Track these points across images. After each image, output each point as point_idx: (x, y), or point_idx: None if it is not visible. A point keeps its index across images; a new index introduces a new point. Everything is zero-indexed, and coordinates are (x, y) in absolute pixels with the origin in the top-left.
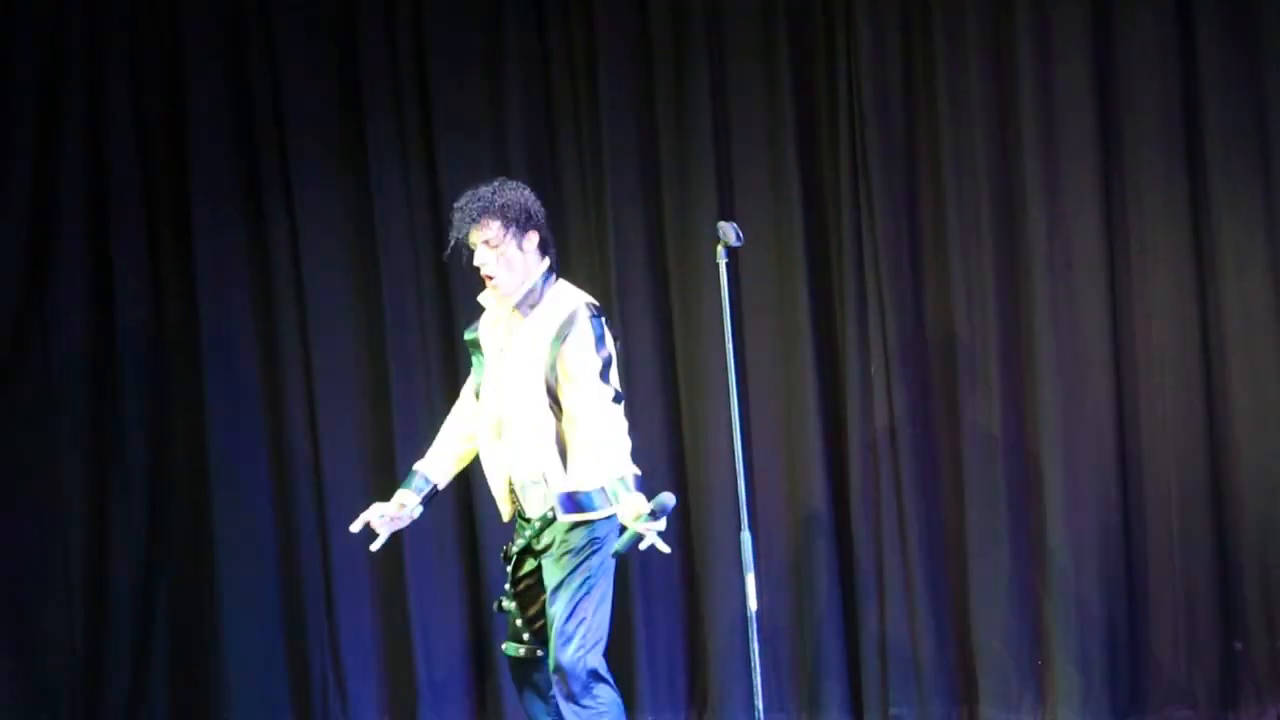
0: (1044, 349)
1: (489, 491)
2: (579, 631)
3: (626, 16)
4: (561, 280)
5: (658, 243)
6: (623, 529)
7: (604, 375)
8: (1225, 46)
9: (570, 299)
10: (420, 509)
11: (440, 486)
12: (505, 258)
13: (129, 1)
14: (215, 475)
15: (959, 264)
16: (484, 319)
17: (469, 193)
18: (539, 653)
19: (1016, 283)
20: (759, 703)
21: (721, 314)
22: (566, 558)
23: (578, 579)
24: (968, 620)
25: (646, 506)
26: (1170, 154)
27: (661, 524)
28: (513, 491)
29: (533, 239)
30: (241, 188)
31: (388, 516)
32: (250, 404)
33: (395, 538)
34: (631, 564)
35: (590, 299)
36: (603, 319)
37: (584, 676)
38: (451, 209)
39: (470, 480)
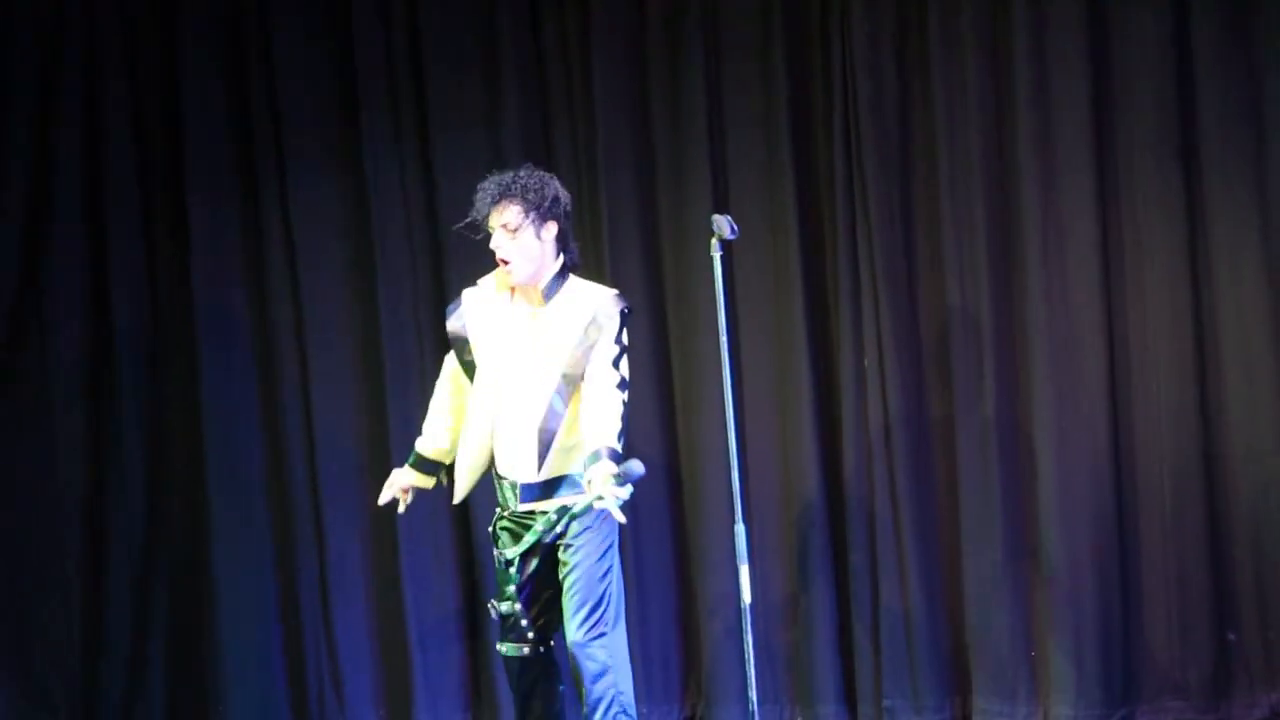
0: (1038, 344)
1: (482, 490)
2: (604, 615)
3: (622, 15)
4: (574, 276)
5: (653, 238)
6: (582, 489)
7: (616, 363)
8: (1221, 46)
9: (600, 292)
10: (431, 481)
11: (447, 463)
12: (521, 244)
13: (127, 2)
14: (212, 475)
15: (953, 259)
16: (465, 309)
17: (499, 173)
18: (541, 649)
19: (1010, 278)
20: (753, 694)
21: (716, 307)
22: (584, 545)
23: (601, 567)
24: (962, 612)
25: (614, 470)
26: (1165, 151)
27: (626, 492)
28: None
29: (551, 229)
30: (238, 188)
31: (407, 488)
32: (247, 404)
33: (390, 537)
34: (627, 557)
35: (618, 293)
36: (628, 312)
37: (604, 666)
38: (446, 198)
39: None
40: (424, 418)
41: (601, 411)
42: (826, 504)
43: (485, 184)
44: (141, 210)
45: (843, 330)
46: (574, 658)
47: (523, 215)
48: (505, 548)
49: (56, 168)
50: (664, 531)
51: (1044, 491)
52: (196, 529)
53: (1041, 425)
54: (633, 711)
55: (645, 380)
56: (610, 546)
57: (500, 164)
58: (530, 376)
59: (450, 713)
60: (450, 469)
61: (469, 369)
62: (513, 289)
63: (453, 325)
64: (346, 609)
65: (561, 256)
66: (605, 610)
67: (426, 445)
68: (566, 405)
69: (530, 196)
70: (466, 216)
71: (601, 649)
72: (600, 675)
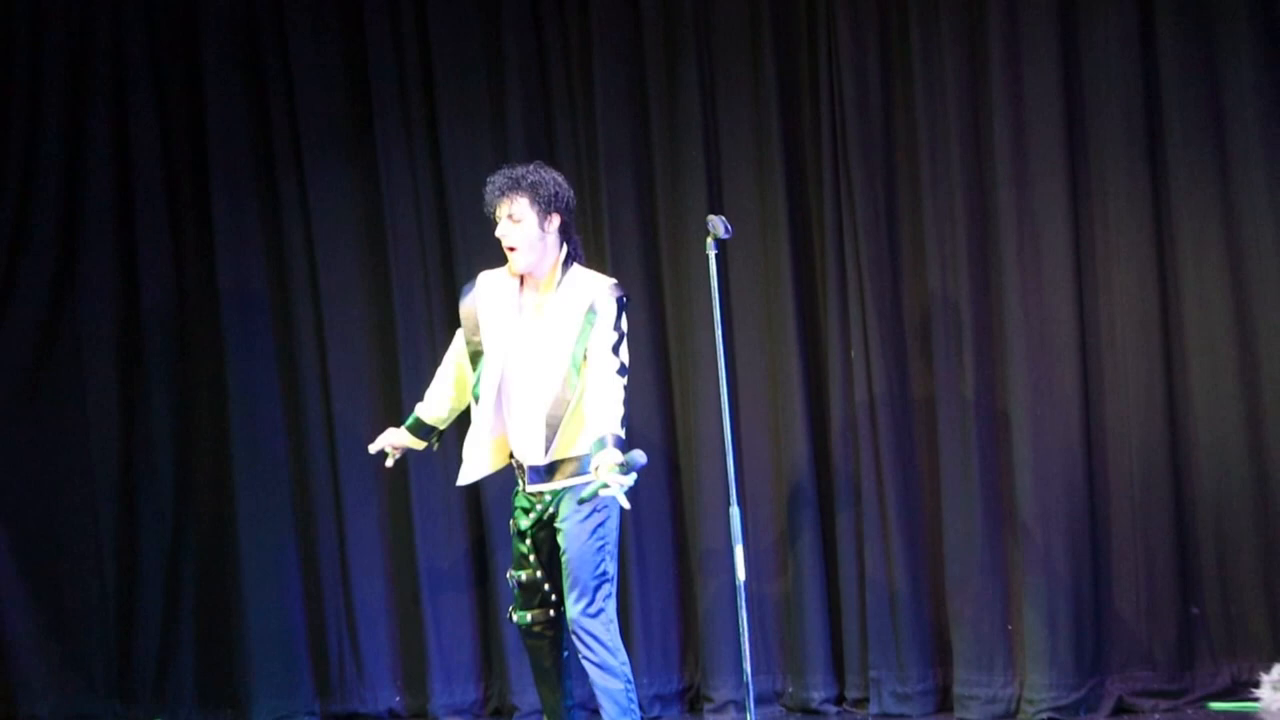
0: (1014, 334)
1: (493, 474)
2: (600, 589)
3: (620, 21)
4: (578, 265)
5: (651, 235)
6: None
7: (615, 349)
8: (1184, 57)
9: (599, 281)
10: (422, 445)
11: (440, 429)
12: (525, 233)
13: (152, 9)
14: (236, 453)
15: (934, 253)
16: (480, 291)
17: (507, 167)
18: (551, 614)
19: (988, 273)
20: (747, 666)
21: (711, 302)
22: (580, 525)
23: (595, 543)
24: (943, 588)
25: (619, 458)
26: (1132, 151)
27: (630, 480)
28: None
29: (554, 221)
30: (258, 181)
31: (399, 445)
32: (269, 389)
33: (406, 519)
34: (626, 538)
35: (615, 282)
36: (625, 300)
37: (599, 632)
38: (455, 193)
39: None
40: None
41: (604, 398)
42: (815, 487)
43: (494, 177)
44: (168, 207)
45: (830, 322)
46: (573, 631)
47: (527, 207)
48: (520, 520)
49: (89, 167)
50: (663, 513)
51: (1020, 476)
52: (222, 507)
53: (1017, 413)
54: (629, 675)
55: (645, 370)
56: (602, 525)
57: (505, 160)
58: (535, 362)
59: (463, 683)
60: (443, 435)
61: (474, 357)
62: (522, 279)
63: (465, 306)
64: (365, 586)
65: (565, 248)
66: (598, 586)
67: (425, 410)
68: (569, 390)
69: (535, 190)
70: (474, 211)
71: (598, 623)
72: (597, 644)
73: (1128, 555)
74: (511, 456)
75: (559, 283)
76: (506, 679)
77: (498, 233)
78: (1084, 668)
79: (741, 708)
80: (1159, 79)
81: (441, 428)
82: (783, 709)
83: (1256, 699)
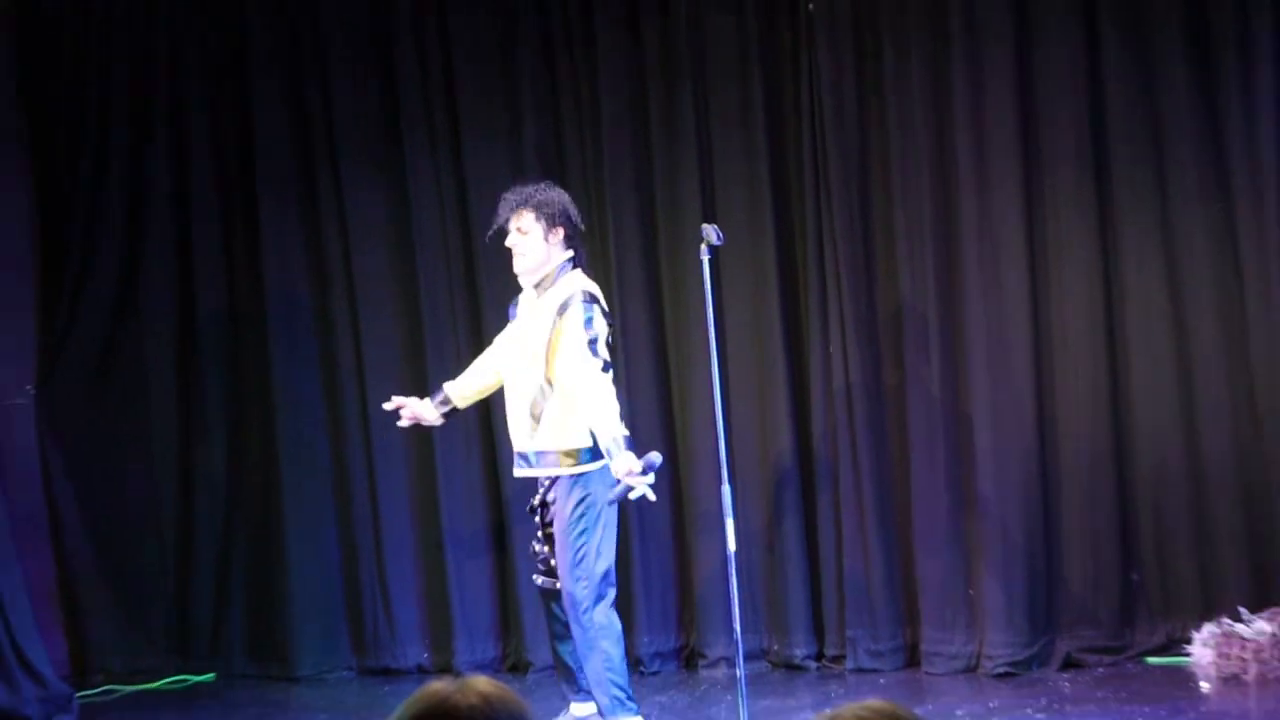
0: (975, 332)
1: (509, 454)
2: (582, 566)
3: (623, 50)
4: (577, 271)
5: (651, 242)
6: (617, 481)
7: (593, 349)
8: (1125, 79)
9: (572, 285)
10: (441, 419)
11: (459, 407)
12: (530, 244)
13: (206, 41)
14: (281, 438)
15: (904, 258)
16: (521, 296)
17: (517, 187)
18: (558, 584)
19: (952, 275)
20: (737, 626)
21: (705, 303)
22: (570, 507)
23: (580, 524)
24: (911, 557)
25: (638, 464)
26: (1081, 167)
27: (650, 478)
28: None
29: (558, 234)
30: (300, 196)
31: (411, 412)
32: (310, 379)
33: (432, 494)
34: (630, 513)
35: (588, 287)
36: (595, 304)
37: (586, 604)
38: (476, 202)
39: (495, 442)
40: (456, 376)
41: (594, 403)
42: (798, 468)
43: (508, 194)
44: (221, 216)
45: (811, 321)
46: (566, 598)
47: (533, 221)
48: (533, 498)
49: (150, 182)
50: (662, 492)
51: (981, 457)
52: (269, 485)
53: (978, 402)
54: (615, 639)
55: (645, 365)
56: (586, 511)
57: (520, 175)
58: (520, 358)
59: (484, 641)
60: (457, 411)
61: None
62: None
63: (512, 309)
64: (396, 555)
65: (568, 254)
66: (580, 562)
67: (453, 386)
68: (544, 383)
69: (540, 207)
70: (492, 218)
71: (581, 589)
72: (586, 611)
73: (1075, 529)
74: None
75: (551, 287)
76: (522, 638)
77: (507, 242)
78: (1036, 627)
79: (732, 663)
80: (1104, 102)
81: (461, 406)
82: (769, 664)
83: (1188, 654)
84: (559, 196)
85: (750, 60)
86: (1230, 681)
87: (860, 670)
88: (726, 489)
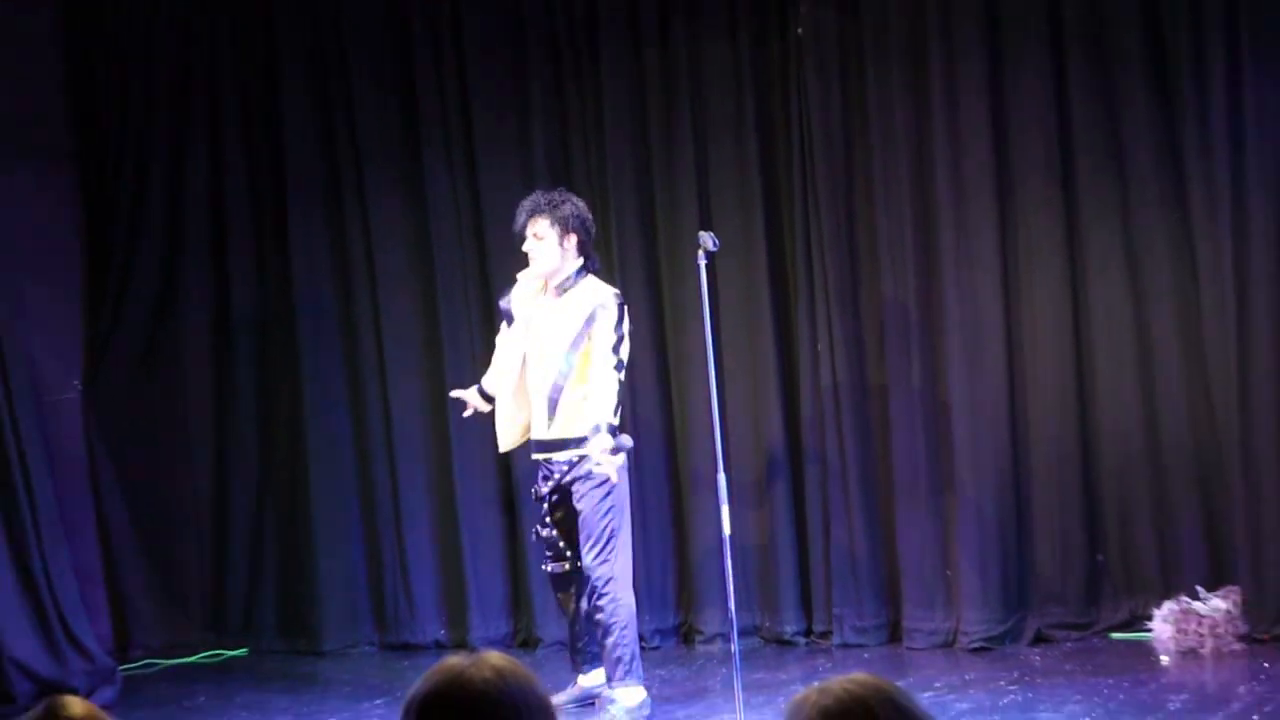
0: (952, 332)
1: (519, 448)
2: (609, 546)
3: (626, 70)
4: (591, 275)
5: (651, 247)
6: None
7: (615, 348)
8: (1089, 101)
9: (604, 289)
10: (488, 406)
11: (494, 396)
12: (546, 249)
13: (239, 58)
14: (309, 431)
15: (886, 263)
16: (515, 292)
17: (536, 194)
18: (567, 567)
19: (931, 277)
20: (731, 604)
21: (701, 304)
22: (595, 489)
23: (606, 504)
24: (893, 540)
25: (610, 443)
26: (1049, 180)
27: (620, 459)
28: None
29: (572, 240)
30: (326, 202)
31: (472, 405)
32: (335, 375)
33: (448, 482)
34: (632, 498)
35: (617, 290)
36: (624, 306)
37: (610, 581)
38: (488, 207)
39: None
40: (470, 369)
41: (600, 391)
42: (788, 458)
43: (525, 201)
44: (253, 221)
45: (800, 321)
46: (586, 577)
47: (548, 227)
48: (541, 487)
49: (188, 192)
50: (662, 479)
51: (958, 448)
52: (297, 473)
53: (956, 396)
54: (632, 616)
55: (647, 362)
56: (609, 493)
57: (530, 182)
58: (543, 352)
59: (497, 619)
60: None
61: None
62: (545, 283)
63: (503, 303)
64: (415, 538)
65: (581, 260)
66: (608, 541)
67: (487, 382)
68: (562, 376)
69: (556, 214)
70: (505, 225)
71: (606, 569)
72: (605, 589)
73: (1045, 514)
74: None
75: (572, 288)
76: (532, 615)
77: (524, 247)
78: (1009, 605)
79: (727, 639)
80: (1070, 120)
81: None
82: (760, 640)
83: (1150, 630)
84: (574, 206)
85: (743, 79)
86: (1188, 655)
87: (846, 646)
88: (722, 477)
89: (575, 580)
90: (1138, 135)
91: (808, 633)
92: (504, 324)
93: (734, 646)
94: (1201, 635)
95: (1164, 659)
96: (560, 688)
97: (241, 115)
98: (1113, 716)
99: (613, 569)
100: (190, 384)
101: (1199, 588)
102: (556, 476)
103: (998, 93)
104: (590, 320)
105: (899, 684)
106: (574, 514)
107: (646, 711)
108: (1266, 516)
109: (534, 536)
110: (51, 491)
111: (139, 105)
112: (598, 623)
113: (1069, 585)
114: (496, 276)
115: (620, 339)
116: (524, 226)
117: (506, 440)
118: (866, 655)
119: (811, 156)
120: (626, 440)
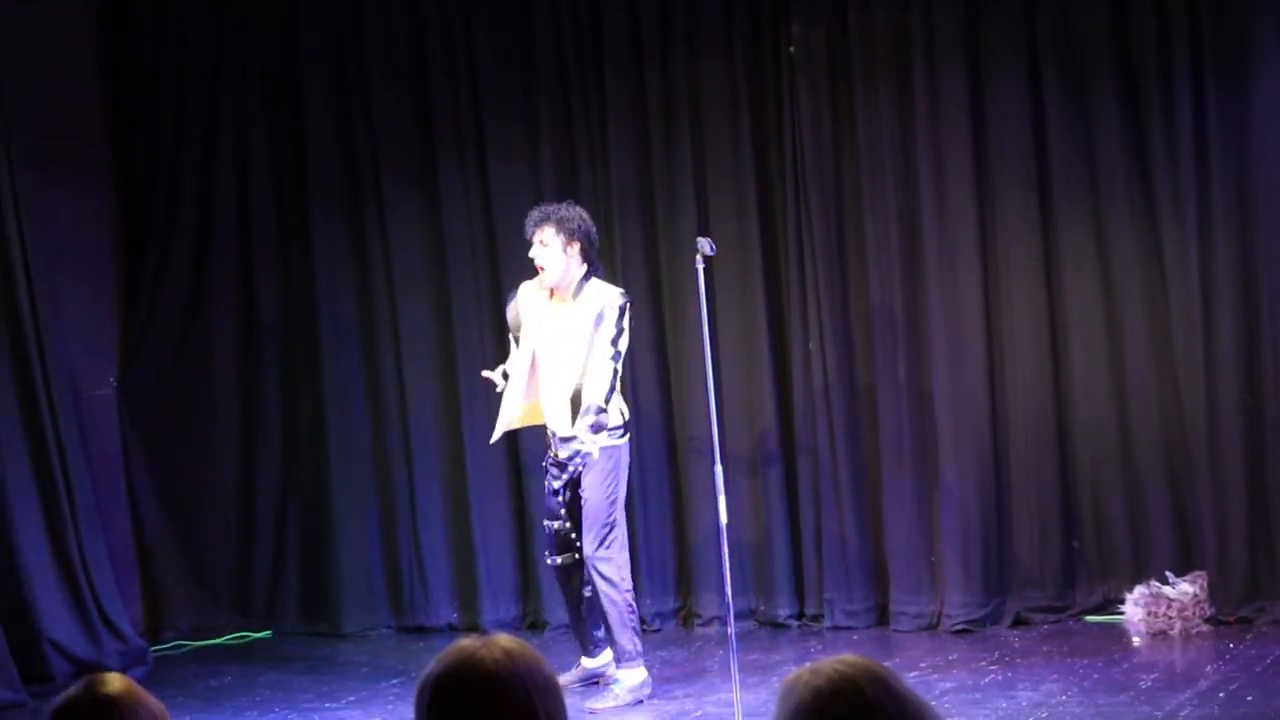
0: (936, 331)
1: (528, 440)
2: (614, 531)
3: (629, 88)
4: (595, 279)
5: (652, 253)
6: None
7: (614, 341)
8: (1064, 113)
9: (609, 291)
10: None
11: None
12: (552, 256)
13: (266, 72)
14: (330, 426)
15: (874, 267)
16: (520, 298)
17: (542, 205)
18: (575, 558)
19: (915, 280)
20: (728, 589)
21: (699, 306)
22: (602, 478)
23: (606, 498)
24: (881, 528)
25: (591, 421)
26: (1026, 188)
27: (601, 437)
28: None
29: (576, 247)
30: (347, 210)
31: (495, 381)
32: (355, 375)
33: (461, 474)
34: (634, 490)
35: (623, 291)
36: (628, 305)
37: (614, 564)
38: (499, 215)
39: (514, 432)
40: (482, 368)
41: (595, 377)
42: (782, 450)
43: (533, 211)
44: (277, 226)
45: (793, 322)
46: (588, 564)
47: (554, 235)
48: (554, 481)
49: (216, 202)
50: (662, 470)
51: (941, 441)
52: (319, 466)
53: (939, 392)
54: (631, 600)
55: (648, 361)
56: (614, 484)
57: (538, 192)
58: (559, 355)
59: (506, 603)
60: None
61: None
62: (551, 290)
63: (510, 312)
64: (429, 526)
65: (585, 267)
66: (610, 530)
67: (509, 367)
68: (580, 375)
69: (562, 224)
70: (514, 233)
71: (608, 555)
72: (606, 575)
73: (1023, 503)
74: (546, 427)
75: (578, 293)
76: (540, 600)
77: (531, 254)
78: (990, 589)
79: (724, 622)
80: (1046, 132)
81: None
82: (755, 623)
83: (1122, 612)
84: (578, 216)
85: (739, 96)
86: (1158, 636)
87: (837, 628)
88: (719, 469)
89: (577, 572)
90: (1109, 146)
91: (800, 616)
92: (514, 346)
93: (730, 629)
94: (1170, 618)
95: (1135, 640)
96: (566, 668)
97: (268, 129)
98: (1087, 695)
99: (611, 558)
100: (218, 381)
101: (1168, 573)
102: (570, 469)
103: (978, 107)
104: (599, 319)
105: (887, 664)
106: (579, 503)
107: (647, 691)
108: (1231, 505)
109: (547, 530)
110: (89, 483)
111: (170, 120)
112: (601, 609)
113: (1046, 571)
114: (506, 280)
115: (620, 332)
116: (531, 234)
117: (502, 426)
118: (856, 637)
119: (803, 167)
120: (606, 420)
